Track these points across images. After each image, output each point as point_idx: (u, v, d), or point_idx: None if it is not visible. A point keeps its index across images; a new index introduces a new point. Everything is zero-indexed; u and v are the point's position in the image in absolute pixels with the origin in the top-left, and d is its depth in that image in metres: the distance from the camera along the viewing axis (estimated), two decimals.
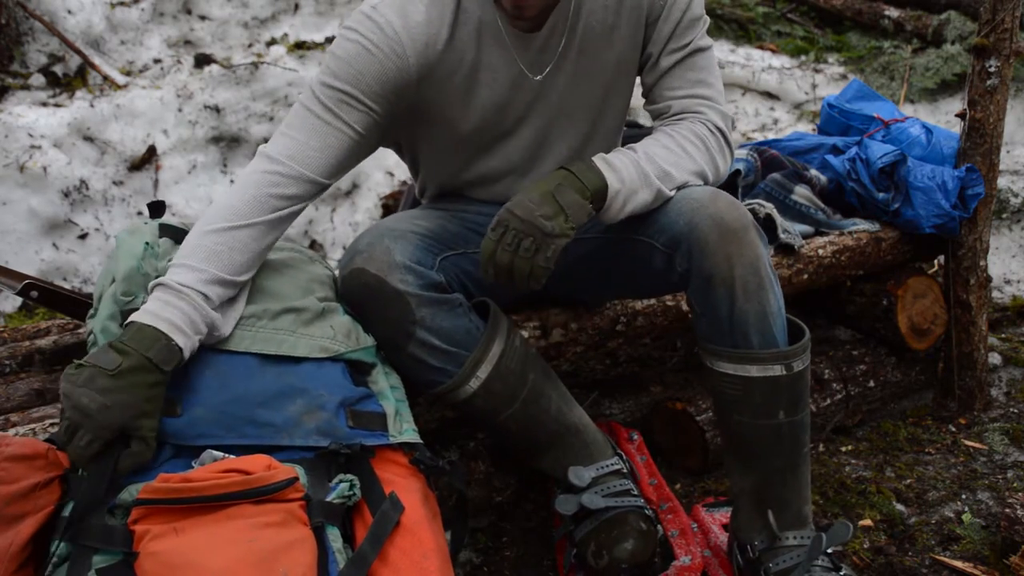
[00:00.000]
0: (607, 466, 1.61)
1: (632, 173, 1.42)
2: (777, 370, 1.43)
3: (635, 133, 2.20)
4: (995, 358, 2.45)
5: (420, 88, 1.45)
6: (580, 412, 1.64)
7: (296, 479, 1.13)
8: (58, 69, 3.69)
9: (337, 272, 1.47)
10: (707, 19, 1.60)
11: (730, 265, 1.38)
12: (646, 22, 1.54)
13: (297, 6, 4.36)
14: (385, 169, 3.71)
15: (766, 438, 1.47)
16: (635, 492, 1.60)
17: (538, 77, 1.52)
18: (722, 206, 1.41)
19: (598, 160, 1.42)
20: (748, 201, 2.13)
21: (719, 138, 1.54)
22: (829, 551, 1.48)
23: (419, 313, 1.40)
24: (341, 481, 1.19)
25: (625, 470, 1.64)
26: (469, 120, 1.52)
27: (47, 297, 1.58)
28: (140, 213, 3.25)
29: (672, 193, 1.46)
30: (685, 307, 1.94)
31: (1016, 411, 2.28)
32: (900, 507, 1.87)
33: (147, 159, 3.33)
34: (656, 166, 1.44)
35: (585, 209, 1.38)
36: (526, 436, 1.59)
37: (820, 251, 2.15)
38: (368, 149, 1.48)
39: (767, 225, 2.07)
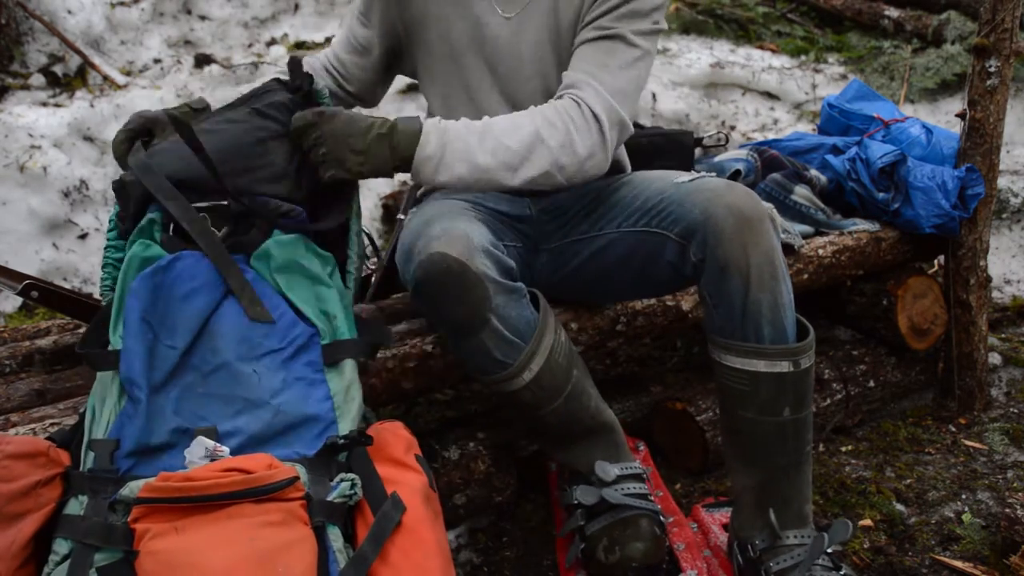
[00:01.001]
0: (631, 467, 1.62)
1: (457, 146, 1.44)
2: (784, 366, 1.43)
3: (635, 134, 2.20)
4: (995, 358, 2.45)
5: (400, 8, 1.65)
6: (612, 413, 1.65)
7: (297, 478, 1.13)
8: (58, 69, 3.69)
9: (405, 262, 1.45)
10: (659, 25, 1.57)
11: (746, 254, 1.39)
12: None
13: (297, 6, 4.36)
14: None
15: (771, 435, 1.48)
16: (652, 498, 1.60)
17: (508, 16, 1.58)
18: (739, 195, 1.42)
19: (430, 124, 1.45)
20: None
21: (590, 122, 1.50)
22: (829, 550, 1.48)
23: (496, 300, 1.38)
24: (342, 480, 1.19)
25: (645, 476, 1.64)
26: (444, 45, 1.63)
27: (47, 297, 1.58)
28: None
29: (502, 177, 1.47)
30: (685, 307, 1.94)
31: (1016, 411, 2.28)
32: (900, 507, 1.87)
33: None
34: (494, 143, 1.45)
35: (387, 167, 1.43)
36: (562, 430, 1.59)
37: (820, 251, 2.15)
38: (383, 67, 1.77)
39: None
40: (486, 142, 1.44)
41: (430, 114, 1.76)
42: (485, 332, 1.40)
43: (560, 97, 1.52)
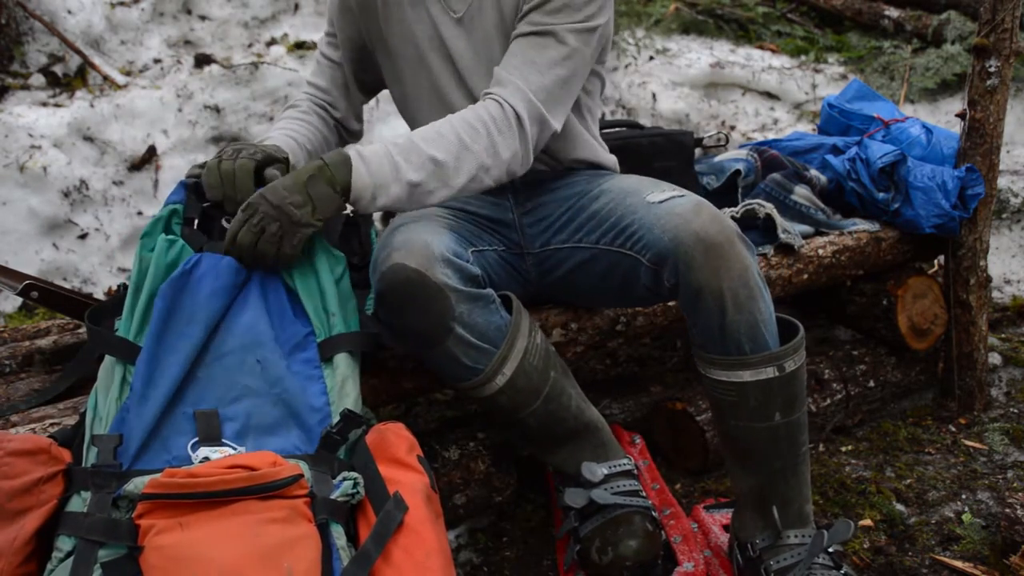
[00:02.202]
0: (619, 465, 1.62)
1: (384, 168, 1.38)
2: (770, 372, 1.43)
3: (635, 134, 2.21)
4: (995, 358, 2.45)
5: (363, 17, 1.69)
6: (596, 412, 1.64)
7: (301, 476, 1.14)
8: (58, 69, 3.68)
9: (371, 273, 1.46)
10: (593, 21, 1.54)
11: (718, 278, 1.38)
12: None
13: (297, 6, 4.36)
14: None
15: (763, 440, 1.48)
16: (644, 494, 1.60)
17: (457, 15, 1.60)
18: (705, 220, 1.40)
19: (352, 152, 1.39)
20: (748, 201, 2.12)
21: (511, 122, 1.47)
22: (830, 550, 1.48)
23: (458, 308, 1.39)
24: (344, 479, 1.19)
25: (635, 472, 1.64)
26: (408, 48, 1.66)
27: (47, 297, 1.58)
28: (140, 213, 3.25)
29: (434, 189, 1.42)
30: None
31: (1016, 411, 2.29)
32: (900, 507, 1.87)
33: (147, 159, 3.32)
34: (420, 158, 1.40)
35: (335, 202, 1.36)
36: (545, 432, 1.59)
37: (820, 251, 2.15)
38: (356, 83, 1.80)
39: (767, 225, 2.07)
40: (412, 158, 1.40)
41: (404, 116, 1.78)
42: (450, 340, 1.41)
43: (484, 97, 1.51)
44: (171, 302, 1.31)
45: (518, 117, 1.47)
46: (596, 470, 1.58)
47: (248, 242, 1.33)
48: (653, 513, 1.58)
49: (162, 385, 1.25)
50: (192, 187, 1.47)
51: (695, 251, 1.39)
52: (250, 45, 4.15)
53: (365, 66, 1.79)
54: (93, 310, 1.40)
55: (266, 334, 1.33)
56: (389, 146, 1.40)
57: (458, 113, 1.47)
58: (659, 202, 1.49)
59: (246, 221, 1.33)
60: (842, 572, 1.45)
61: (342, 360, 1.35)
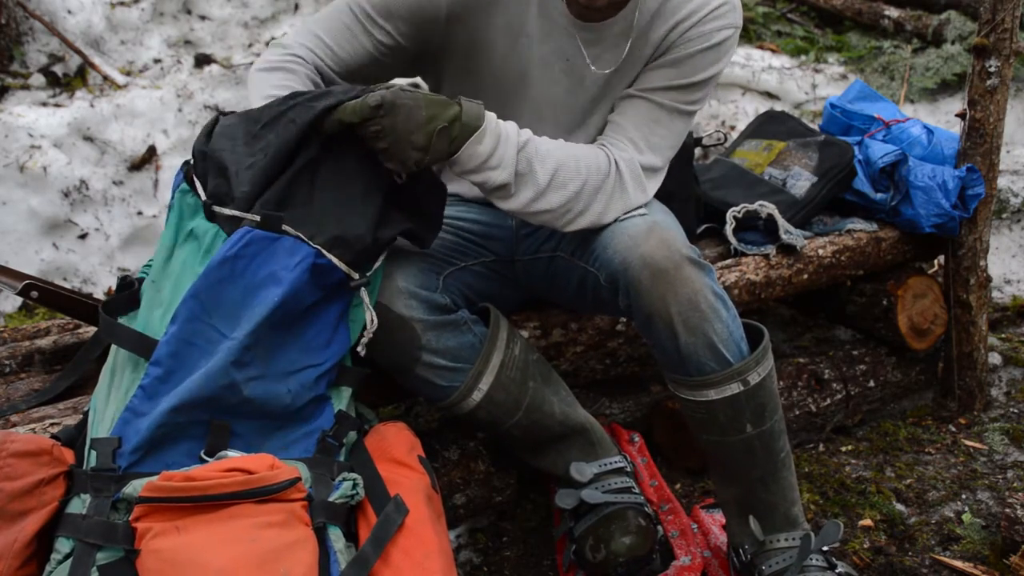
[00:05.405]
0: (610, 463, 1.62)
1: (511, 152, 1.36)
2: (735, 388, 1.43)
3: None
4: (995, 358, 2.45)
5: (449, 29, 1.47)
6: (585, 413, 1.64)
7: (298, 479, 1.13)
8: (58, 69, 3.68)
9: None
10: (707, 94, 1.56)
11: (665, 304, 1.37)
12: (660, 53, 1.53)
13: (297, 6, 4.36)
14: None
15: (738, 452, 1.48)
16: (636, 490, 1.60)
17: (604, 71, 1.53)
18: (653, 245, 1.38)
19: (491, 122, 1.35)
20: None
21: (626, 188, 1.48)
22: (825, 549, 1.48)
23: (424, 337, 1.42)
24: (344, 480, 1.19)
25: (628, 468, 1.64)
26: (498, 84, 1.53)
27: (47, 297, 1.57)
28: (140, 213, 3.24)
29: (526, 200, 1.41)
30: None
31: (1016, 411, 2.28)
32: (900, 507, 1.87)
33: (147, 159, 3.32)
34: (547, 168, 1.40)
35: (443, 158, 1.33)
36: (530, 440, 1.60)
37: (820, 251, 2.15)
38: (391, 70, 1.55)
39: (768, 227, 2.07)
40: (547, 164, 1.39)
41: None
42: (419, 368, 1.43)
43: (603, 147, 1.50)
44: (208, 296, 1.21)
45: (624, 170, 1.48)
46: (585, 470, 1.59)
47: (346, 122, 1.26)
48: (646, 509, 1.58)
49: (183, 392, 1.19)
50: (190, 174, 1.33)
51: (642, 276, 1.37)
52: (250, 45, 4.15)
53: (414, 65, 1.61)
54: (108, 302, 1.32)
55: (302, 359, 1.28)
56: (526, 136, 1.39)
57: (598, 153, 1.47)
58: (619, 219, 1.48)
59: (364, 122, 1.26)
60: (837, 571, 1.45)
61: (347, 390, 1.35)
